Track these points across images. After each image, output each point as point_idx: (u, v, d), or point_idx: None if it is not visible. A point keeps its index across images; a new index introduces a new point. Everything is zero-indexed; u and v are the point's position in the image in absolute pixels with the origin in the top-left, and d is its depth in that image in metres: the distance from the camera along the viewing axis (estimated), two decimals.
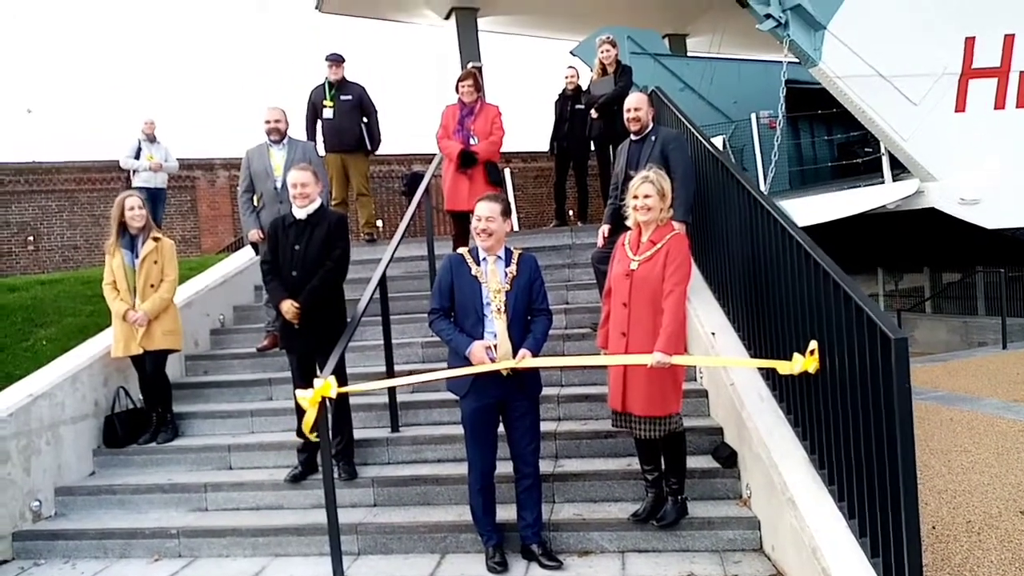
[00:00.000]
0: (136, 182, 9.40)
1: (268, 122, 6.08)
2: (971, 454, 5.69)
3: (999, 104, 9.81)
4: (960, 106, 9.67)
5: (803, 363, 3.49)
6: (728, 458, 4.45)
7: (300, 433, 4.41)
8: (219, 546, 4.50)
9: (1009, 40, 9.58)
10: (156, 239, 5.46)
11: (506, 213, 4.03)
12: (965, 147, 9.56)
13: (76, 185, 15.74)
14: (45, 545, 4.68)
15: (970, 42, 9.46)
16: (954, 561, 3.97)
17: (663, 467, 4.13)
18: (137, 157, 9.42)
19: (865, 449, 3.15)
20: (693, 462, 4.35)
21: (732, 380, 4.53)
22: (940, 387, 8.05)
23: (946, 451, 5.78)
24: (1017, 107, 9.88)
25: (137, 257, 5.37)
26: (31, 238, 15.12)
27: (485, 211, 3.94)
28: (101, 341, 5.72)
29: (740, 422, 4.31)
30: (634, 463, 4.34)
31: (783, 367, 3.66)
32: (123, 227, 5.40)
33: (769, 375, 4.42)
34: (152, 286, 5.36)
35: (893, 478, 2.89)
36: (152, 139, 9.53)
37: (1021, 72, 9.73)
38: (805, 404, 3.87)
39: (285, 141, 6.14)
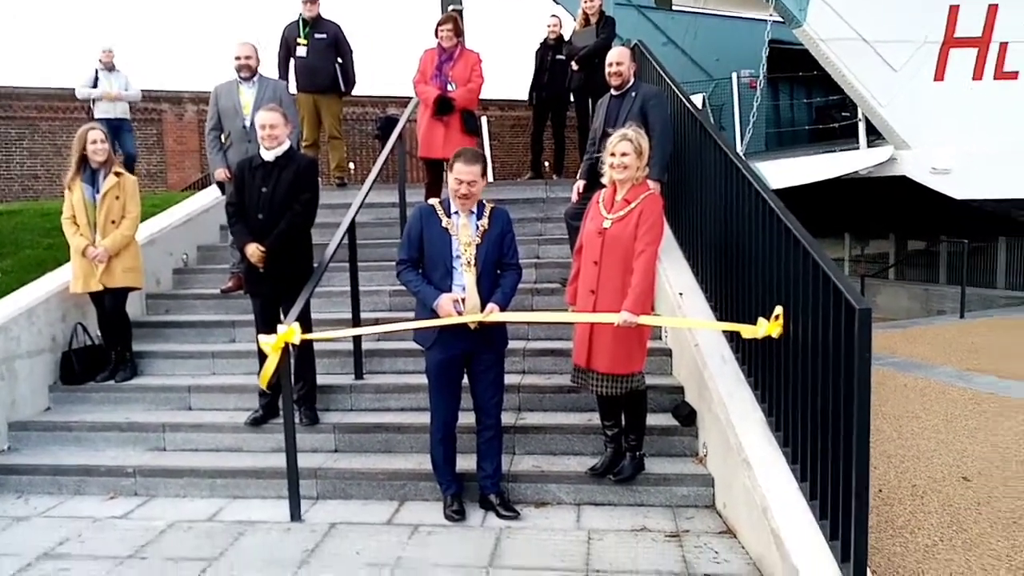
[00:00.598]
0: (96, 113, 9.06)
1: (238, 58, 5.88)
2: (921, 420, 5.85)
3: (977, 75, 9.85)
4: (939, 75, 9.68)
5: (767, 327, 3.52)
6: (687, 417, 4.51)
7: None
8: (176, 486, 4.48)
9: (992, 10, 9.57)
10: (118, 174, 5.30)
11: (484, 173, 3.96)
12: (941, 116, 9.61)
13: (37, 112, 15.22)
14: None
15: (954, 10, 9.44)
16: (897, 523, 4.10)
17: (623, 423, 4.18)
18: (95, 87, 9.08)
19: (822, 414, 3.20)
20: (653, 419, 4.40)
21: (696, 341, 4.56)
22: (897, 353, 8.23)
23: (898, 416, 5.94)
24: (994, 78, 9.91)
25: (98, 192, 5.21)
26: None
27: (467, 175, 3.85)
28: (59, 276, 5.58)
29: (702, 382, 4.36)
30: (595, 418, 4.39)
31: (747, 331, 3.69)
32: (84, 160, 5.22)
33: (733, 338, 4.46)
34: (113, 222, 5.22)
35: (847, 443, 2.95)
36: (111, 68, 9.15)
37: (1001, 43, 9.75)
38: (766, 368, 3.92)
39: (256, 79, 5.95)
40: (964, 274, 11.55)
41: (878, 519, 4.11)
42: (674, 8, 16.24)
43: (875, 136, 10.13)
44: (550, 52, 8.58)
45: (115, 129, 8.99)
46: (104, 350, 5.42)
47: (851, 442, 2.88)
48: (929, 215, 12.25)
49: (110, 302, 5.27)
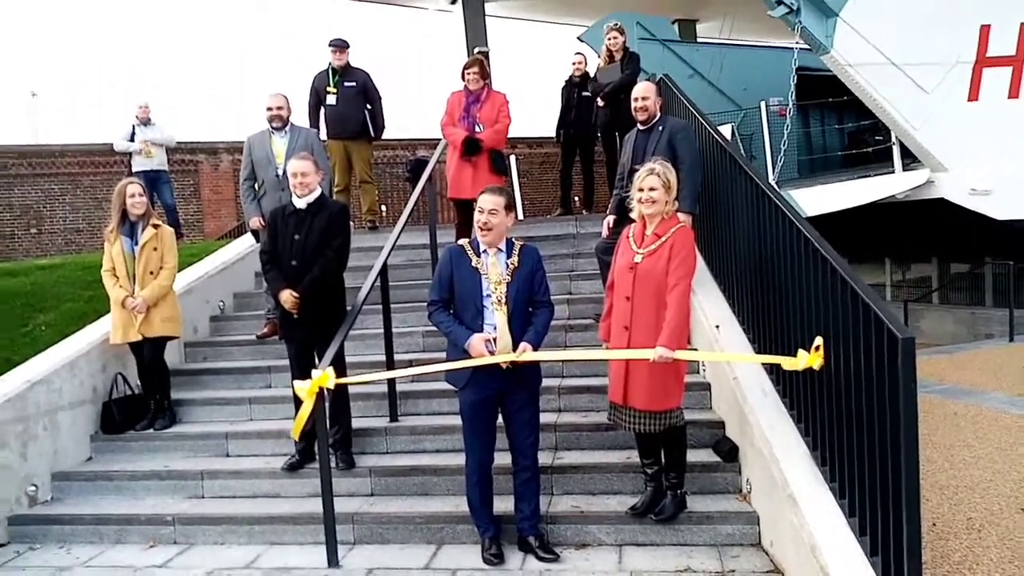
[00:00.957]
0: (135, 166, 9.38)
1: (270, 109, 6.02)
2: (974, 449, 5.63)
3: (1013, 93, 9.68)
4: (973, 95, 9.54)
5: (807, 359, 3.42)
6: (729, 452, 4.40)
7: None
8: (215, 533, 4.48)
9: None
10: (156, 226, 5.42)
11: (509, 207, 3.96)
12: (977, 136, 9.43)
13: (79, 168, 15.73)
14: (40, 530, 4.66)
15: (985, 30, 9.32)
16: (953, 558, 3.93)
17: (663, 461, 4.09)
18: (132, 141, 9.37)
19: (868, 447, 3.10)
20: (694, 456, 4.30)
21: (735, 374, 4.47)
22: (945, 380, 7.98)
23: (949, 446, 5.73)
24: None
25: (137, 244, 5.32)
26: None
27: (488, 203, 3.87)
28: (100, 327, 5.69)
29: (742, 416, 4.26)
30: (634, 456, 4.30)
31: (787, 363, 3.59)
32: (124, 214, 5.35)
33: (773, 370, 4.36)
34: (151, 273, 5.32)
35: (895, 478, 2.84)
36: (146, 122, 9.47)
37: None
38: (808, 400, 3.81)
39: (287, 128, 6.07)
40: (1011, 296, 11.23)
41: (933, 554, 3.94)
42: (699, 40, 16.36)
43: (910, 159, 9.98)
44: (576, 89, 8.63)
45: (152, 181, 9.30)
46: (143, 399, 5.49)
47: (900, 475, 2.78)
48: (971, 237, 11.98)
49: (149, 351, 5.35)
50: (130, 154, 9.50)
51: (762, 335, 4.56)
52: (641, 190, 3.90)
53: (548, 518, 4.15)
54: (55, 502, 4.94)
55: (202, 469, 4.91)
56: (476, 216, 3.91)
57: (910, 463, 2.74)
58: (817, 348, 3.41)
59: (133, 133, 9.39)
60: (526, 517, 3.99)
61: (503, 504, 4.11)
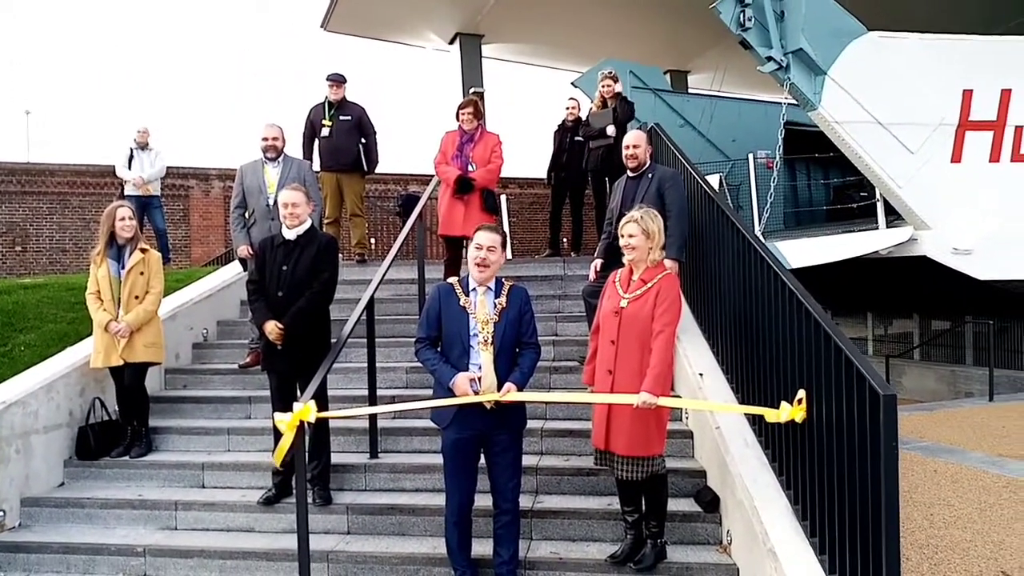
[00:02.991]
0: (127, 189, 9.42)
1: (265, 139, 6.05)
2: (954, 508, 5.64)
3: (994, 157, 9.88)
4: (956, 156, 9.73)
5: (790, 412, 3.44)
6: (710, 503, 4.38)
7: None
8: (186, 567, 4.38)
9: (1006, 95, 9.67)
10: (144, 250, 5.40)
11: (504, 246, 4.00)
12: (960, 197, 9.60)
13: (68, 188, 15.66)
14: (5, 557, 4.54)
15: (968, 94, 9.55)
16: None
17: (643, 509, 4.06)
18: (130, 165, 9.42)
19: (849, 503, 3.10)
20: (675, 504, 4.28)
21: (718, 423, 4.47)
22: (926, 437, 8.01)
23: (929, 504, 5.73)
24: (1012, 161, 9.94)
25: (123, 268, 5.29)
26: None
27: (487, 240, 3.89)
28: (80, 350, 5.62)
29: (724, 467, 4.25)
30: (615, 503, 4.27)
31: (770, 415, 3.60)
32: (111, 237, 5.33)
33: (755, 420, 4.37)
34: (136, 297, 5.28)
35: (876, 534, 2.84)
36: (144, 146, 9.51)
37: (1017, 127, 9.82)
38: (790, 453, 3.82)
39: (280, 158, 6.11)
40: (991, 355, 11.34)
41: None
42: (690, 91, 16.67)
43: (894, 216, 10.13)
44: (568, 134, 8.76)
45: (144, 205, 9.30)
46: (121, 425, 5.41)
47: (880, 532, 2.78)
48: (953, 294, 12.12)
49: (130, 377, 5.28)
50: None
51: (745, 385, 4.58)
52: (622, 236, 3.96)
53: (527, 563, 4.10)
54: (23, 528, 4.82)
55: (176, 500, 4.82)
56: (473, 253, 3.92)
57: (890, 521, 2.75)
58: (800, 401, 3.43)
59: (131, 157, 9.44)
60: (504, 562, 3.93)
61: (481, 547, 4.06)
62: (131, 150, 9.44)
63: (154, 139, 9.65)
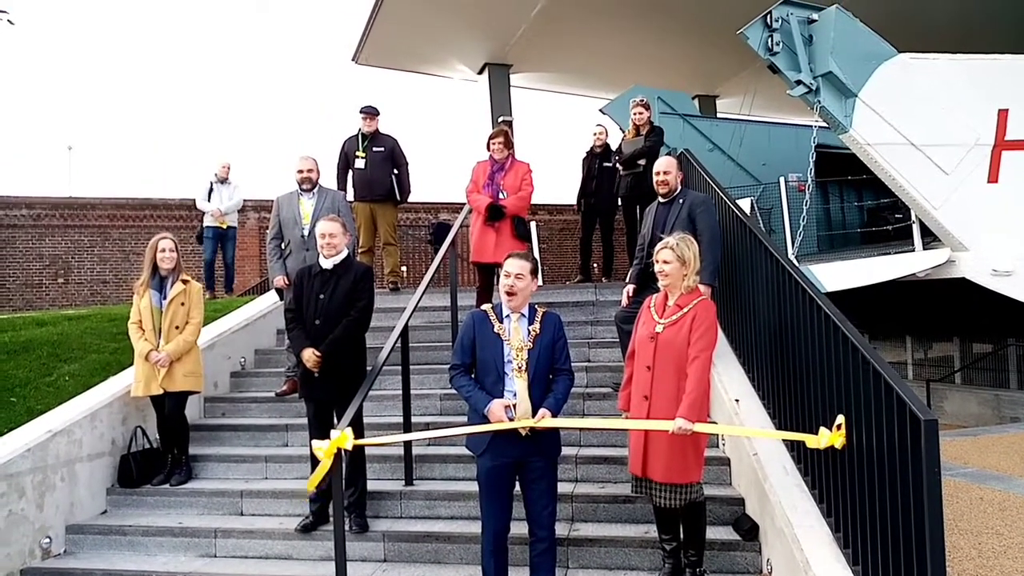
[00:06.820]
0: (206, 221, 9.92)
1: (300, 171, 6.19)
2: (1003, 537, 5.47)
3: None
4: (993, 177, 9.58)
5: (829, 438, 3.40)
6: (749, 531, 4.32)
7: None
8: None
9: None
10: (185, 281, 5.53)
11: (534, 272, 4.03)
12: (998, 218, 9.44)
13: (109, 221, 16.11)
14: None
15: (1003, 114, 9.43)
16: None
17: (681, 537, 4.02)
18: (209, 197, 9.86)
19: (892, 530, 3.04)
20: (713, 533, 4.23)
21: (755, 450, 4.42)
22: (970, 463, 7.80)
23: (976, 532, 5.57)
24: None
25: (165, 298, 5.43)
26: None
27: (515, 268, 3.93)
28: (122, 380, 5.75)
29: (763, 494, 4.20)
30: (652, 531, 4.23)
31: (809, 441, 3.56)
32: (154, 267, 5.47)
33: (794, 446, 4.31)
34: (177, 328, 5.40)
35: (920, 563, 2.78)
36: (224, 180, 9.91)
37: None
38: (830, 480, 3.76)
39: (315, 190, 6.23)
40: None
41: None
42: (719, 116, 16.68)
43: (931, 238, 9.99)
44: (597, 160, 8.80)
45: (220, 236, 9.91)
46: (161, 453, 5.51)
47: (925, 561, 2.72)
48: (994, 316, 11.87)
49: (170, 405, 5.39)
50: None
51: (782, 411, 4.53)
52: (656, 262, 3.98)
53: None
54: (68, 555, 4.91)
55: (216, 527, 4.88)
56: (502, 280, 3.96)
57: (935, 549, 2.69)
58: (839, 427, 3.39)
59: (211, 189, 9.80)
60: None
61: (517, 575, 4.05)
62: (211, 183, 9.84)
63: (235, 174, 10.04)
